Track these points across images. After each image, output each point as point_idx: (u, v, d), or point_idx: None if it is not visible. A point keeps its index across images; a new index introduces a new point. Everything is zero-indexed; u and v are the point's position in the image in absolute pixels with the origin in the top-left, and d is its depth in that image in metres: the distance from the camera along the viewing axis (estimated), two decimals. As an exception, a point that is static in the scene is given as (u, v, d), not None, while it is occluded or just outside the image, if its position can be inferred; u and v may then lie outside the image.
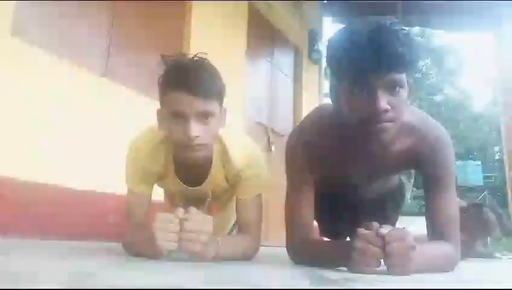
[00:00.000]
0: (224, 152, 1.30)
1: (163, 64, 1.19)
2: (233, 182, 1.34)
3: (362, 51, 0.95)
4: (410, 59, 0.98)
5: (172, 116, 1.13)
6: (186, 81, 1.10)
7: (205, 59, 1.19)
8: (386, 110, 0.98)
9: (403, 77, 1.00)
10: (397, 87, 1.00)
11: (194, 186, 1.37)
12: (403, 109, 1.02)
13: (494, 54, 5.56)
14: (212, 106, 1.14)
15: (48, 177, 2.02)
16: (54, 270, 0.77)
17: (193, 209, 1.06)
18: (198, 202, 1.42)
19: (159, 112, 1.22)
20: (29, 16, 2.10)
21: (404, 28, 0.99)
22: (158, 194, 1.57)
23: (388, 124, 1.01)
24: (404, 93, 1.01)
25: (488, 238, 2.81)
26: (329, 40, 1.06)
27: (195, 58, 1.19)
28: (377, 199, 1.54)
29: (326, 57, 1.08)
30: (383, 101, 0.98)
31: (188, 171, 1.32)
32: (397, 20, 1.00)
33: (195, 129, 1.11)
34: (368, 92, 0.99)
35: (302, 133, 1.25)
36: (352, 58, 0.97)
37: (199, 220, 1.05)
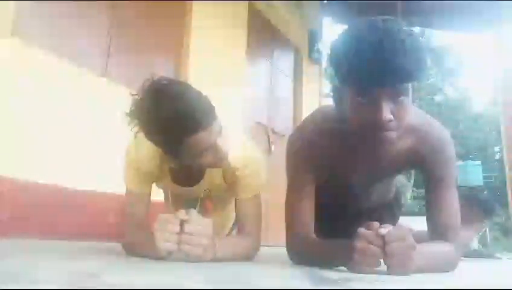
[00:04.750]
0: None
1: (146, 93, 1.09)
2: (231, 181, 1.34)
3: (368, 62, 0.92)
4: (417, 71, 0.95)
5: (197, 154, 1.13)
6: (195, 123, 1.06)
7: (185, 84, 1.13)
8: (390, 120, 0.97)
9: (408, 86, 0.98)
10: (402, 96, 0.98)
11: (191, 186, 1.36)
12: (406, 117, 1.01)
13: (494, 54, 5.56)
14: (217, 126, 1.14)
15: (48, 177, 2.02)
16: (54, 270, 0.77)
17: (194, 212, 1.06)
18: (194, 201, 1.42)
19: (164, 160, 1.21)
20: (29, 16, 2.10)
21: (411, 33, 0.95)
22: (158, 194, 1.57)
23: (391, 133, 1.00)
24: (408, 101, 1.00)
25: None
26: (333, 44, 1.04)
27: (171, 92, 1.07)
28: (374, 209, 1.54)
29: (330, 60, 1.06)
30: (387, 111, 0.96)
31: (184, 172, 1.32)
32: (403, 23, 0.98)
33: (224, 145, 1.15)
34: (372, 101, 0.97)
35: (303, 133, 1.24)
36: (357, 68, 0.95)
37: (200, 223, 1.05)
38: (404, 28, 0.96)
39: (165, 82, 1.09)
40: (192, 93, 1.09)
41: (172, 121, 1.03)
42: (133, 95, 1.11)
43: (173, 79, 1.14)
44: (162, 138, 1.10)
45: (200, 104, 1.08)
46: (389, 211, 1.62)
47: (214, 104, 1.13)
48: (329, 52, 1.07)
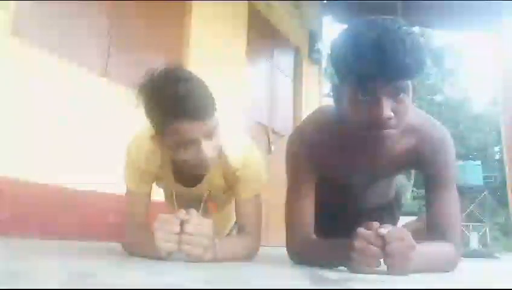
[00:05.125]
0: (220, 151, 1.30)
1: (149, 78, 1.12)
2: (232, 182, 1.34)
3: (369, 58, 0.93)
4: (417, 67, 0.96)
5: (179, 144, 1.11)
6: (190, 109, 1.06)
7: (188, 71, 1.15)
8: (390, 118, 0.97)
9: (408, 83, 0.99)
10: (402, 94, 0.99)
11: (192, 186, 1.37)
12: (406, 115, 1.01)
13: (494, 54, 5.56)
14: (214, 121, 1.14)
15: (48, 177, 2.02)
16: (54, 270, 0.77)
17: (194, 212, 1.06)
18: (195, 201, 1.42)
19: (157, 139, 1.18)
20: (29, 16, 2.10)
21: (411, 31, 0.96)
22: (158, 194, 1.57)
23: (391, 131, 1.00)
24: (408, 99, 1.00)
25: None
26: (333, 42, 1.04)
27: (180, 74, 1.11)
28: (374, 209, 1.54)
29: (331, 59, 1.06)
30: (387, 109, 0.97)
31: (185, 171, 1.32)
32: (403, 22, 0.98)
33: (207, 151, 1.12)
34: (372, 99, 0.98)
35: (303, 133, 1.25)
36: (357, 65, 0.96)
37: (199, 223, 1.05)
38: (403, 27, 0.97)
39: (180, 67, 1.15)
40: (202, 86, 1.12)
41: (172, 99, 1.05)
42: (147, 72, 1.13)
43: (190, 71, 1.17)
44: (156, 114, 1.11)
45: (204, 98, 1.10)
46: (389, 212, 1.62)
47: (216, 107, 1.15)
48: (329, 51, 1.07)
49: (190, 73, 1.13)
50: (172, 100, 1.06)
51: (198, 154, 1.12)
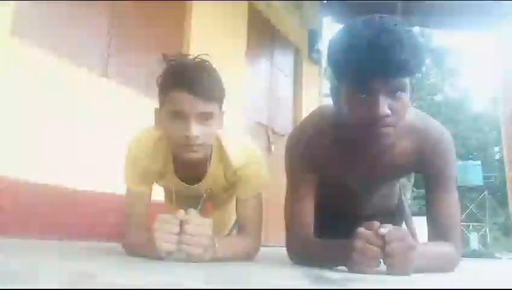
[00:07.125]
0: (221, 150, 1.30)
1: (163, 63, 1.19)
2: (232, 181, 1.34)
3: (365, 55, 0.93)
4: (414, 65, 0.96)
5: (172, 115, 1.13)
6: (188, 81, 1.11)
7: (207, 61, 1.20)
8: (387, 116, 0.97)
9: (405, 80, 0.99)
10: (399, 91, 0.99)
11: (193, 184, 1.37)
12: (404, 112, 1.01)
13: (494, 54, 5.57)
14: (213, 107, 1.15)
15: (48, 177, 2.02)
16: (54, 270, 0.77)
17: (193, 212, 1.06)
18: (195, 200, 1.42)
19: (157, 111, 1.22)
20: (29, 16, 2.10)
21: (408, 29, 0.96)
22: (158, 194, 1.57)
23: (388, 129, 1.00)
24: (406, 96, 1.00)
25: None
26: (331, 41, 1.05)
27: (197, 59, 1.19)
28: (376, 214, 1.53)
29: (328, 57, 1.07)
30: (384, 106, 0.97)
31: (187, 170, 1.32)
32: (401, 20, 0.98)
33: (195, 129, 1.11)
34: (369, 96, 0.98)
35: (302, 133, 1.24)
36: (354, 62, 0.96)
37: (199, 223, 1.05)
38: (400, 24, 0.97)
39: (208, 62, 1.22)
40: (214, 73, 1.18)
41: (178, 70, 1.14)
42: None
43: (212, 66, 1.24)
44: (162, 82, 1.17)
45: (209, 80, 1.14)
46: (391, 218, 1.60)
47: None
48: (327, 50, 1.07)
49: (211, 64, 1.21)
50: (179, 71, 1.14)
51: (186, 131, 1.11)
